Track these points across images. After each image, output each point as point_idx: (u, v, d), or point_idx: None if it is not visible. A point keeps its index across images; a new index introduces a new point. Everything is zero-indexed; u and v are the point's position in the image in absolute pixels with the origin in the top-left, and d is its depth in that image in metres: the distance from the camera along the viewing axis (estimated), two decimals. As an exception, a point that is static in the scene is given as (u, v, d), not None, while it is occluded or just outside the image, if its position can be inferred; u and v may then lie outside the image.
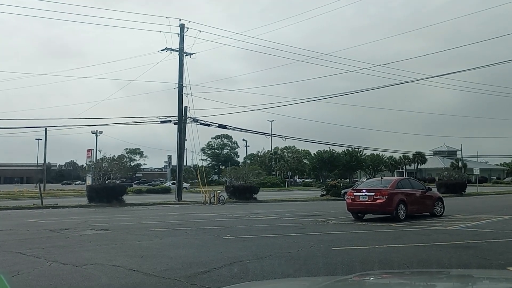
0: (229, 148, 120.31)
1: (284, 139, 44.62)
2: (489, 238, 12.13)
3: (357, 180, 64.09)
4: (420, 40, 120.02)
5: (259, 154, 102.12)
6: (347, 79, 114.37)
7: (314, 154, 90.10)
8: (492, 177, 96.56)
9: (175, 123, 34.78)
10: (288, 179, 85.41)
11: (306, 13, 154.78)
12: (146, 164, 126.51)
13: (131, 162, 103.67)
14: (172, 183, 68.24)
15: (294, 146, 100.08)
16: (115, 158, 33.09)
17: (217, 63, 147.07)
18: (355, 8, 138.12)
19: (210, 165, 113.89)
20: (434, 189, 23.30)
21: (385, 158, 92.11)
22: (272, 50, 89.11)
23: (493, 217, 18.12)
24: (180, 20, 34.68)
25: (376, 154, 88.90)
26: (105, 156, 33.20)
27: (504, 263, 8.54)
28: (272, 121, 75.08)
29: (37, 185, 38.76)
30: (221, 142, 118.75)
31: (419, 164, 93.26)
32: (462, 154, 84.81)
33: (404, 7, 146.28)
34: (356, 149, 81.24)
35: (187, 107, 34.72)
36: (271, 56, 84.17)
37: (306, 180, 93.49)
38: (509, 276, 3.77)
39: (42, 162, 78.29)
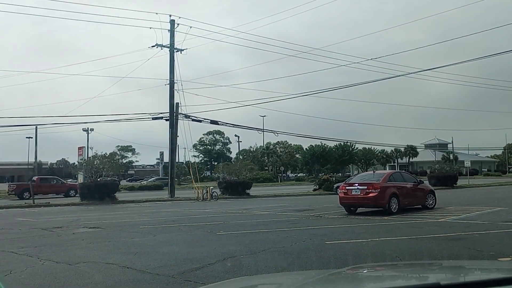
0: (221, 144, 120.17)
1: (276, 134, 44.75)
2: (481, 229, 12.24)
3: (350, 174, 64.33)
4: (417, 32, 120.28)
5: (252, 149, 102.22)
6: (341, 74, 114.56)
7: (306, 148, 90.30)
8: (483, 169, 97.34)
9: (166, 120, 34.65)
10: (280, 174, 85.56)
11: (301, 7, 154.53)
12: (138, 161, 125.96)
13: (123, 159, 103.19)
14: (156, 179, 67.58)
15: (286, 141, 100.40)
16: (106, 155, 32.93)
17: (212, 57, 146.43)
18: (349, 0, 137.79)
19: (202, 161, 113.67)
20: (426, 182, 23.46)
21: (377, 152, 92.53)
22: (266, 46, 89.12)
23: (484, 209, 18.27)
24: (170, 16, 34.51)
25: (368, 148, 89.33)
26: (96, 154, 33.06)
27: (496, 254, 8.62)
28: (264, 116, 75.07)
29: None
30: (213, 138, 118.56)
31: (411, 157, 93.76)
32: (453, 147, 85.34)
33: None
34: (348, 143, 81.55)
35: (178, 103, 34.60)
36: (265, 50, 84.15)
37: (299, 175, 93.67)
38: (500, 266, 3.80)
39: (33, 160, 77.76)
